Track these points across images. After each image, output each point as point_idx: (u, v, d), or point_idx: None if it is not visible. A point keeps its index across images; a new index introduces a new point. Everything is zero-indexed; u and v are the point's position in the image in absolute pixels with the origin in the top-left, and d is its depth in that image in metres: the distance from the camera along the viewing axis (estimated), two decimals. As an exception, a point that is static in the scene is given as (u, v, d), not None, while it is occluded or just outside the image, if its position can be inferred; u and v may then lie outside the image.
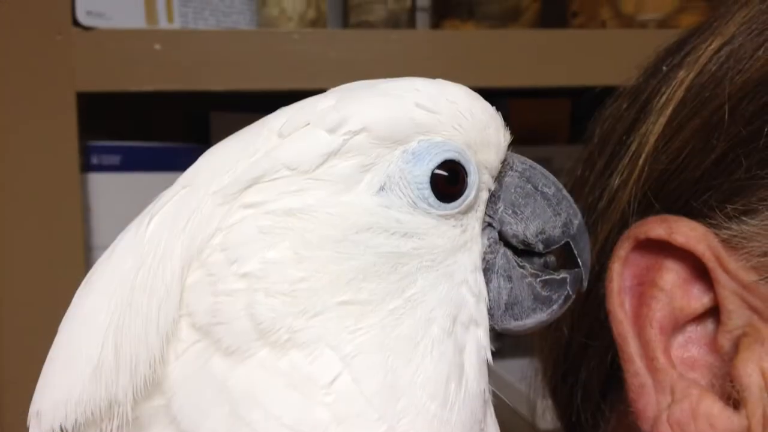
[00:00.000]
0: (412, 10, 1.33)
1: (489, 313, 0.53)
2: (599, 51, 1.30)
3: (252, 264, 0.48)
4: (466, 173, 0.52)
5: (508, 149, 0.56)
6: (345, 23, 1.33)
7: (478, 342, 0.52)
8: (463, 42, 1.27)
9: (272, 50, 1.18)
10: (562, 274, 0.55)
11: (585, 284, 0.56)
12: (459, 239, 0.52)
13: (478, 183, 0.53)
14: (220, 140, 0.53)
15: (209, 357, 0.47)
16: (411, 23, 1.33)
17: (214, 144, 0.53)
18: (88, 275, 0.50)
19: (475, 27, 1.32)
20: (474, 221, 0.53)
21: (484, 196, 0.54)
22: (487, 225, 0.55)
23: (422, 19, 1.41)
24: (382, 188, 0.50)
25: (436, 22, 1.38)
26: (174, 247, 0.48)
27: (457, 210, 0.52)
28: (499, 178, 0.55)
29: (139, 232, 0.49)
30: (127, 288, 0.48)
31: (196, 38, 1.18)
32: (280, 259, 0.48)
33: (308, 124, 0.50)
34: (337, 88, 0.54)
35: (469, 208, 0.53)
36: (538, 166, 0.56)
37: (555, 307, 0.55)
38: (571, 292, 0.55)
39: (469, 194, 0.52)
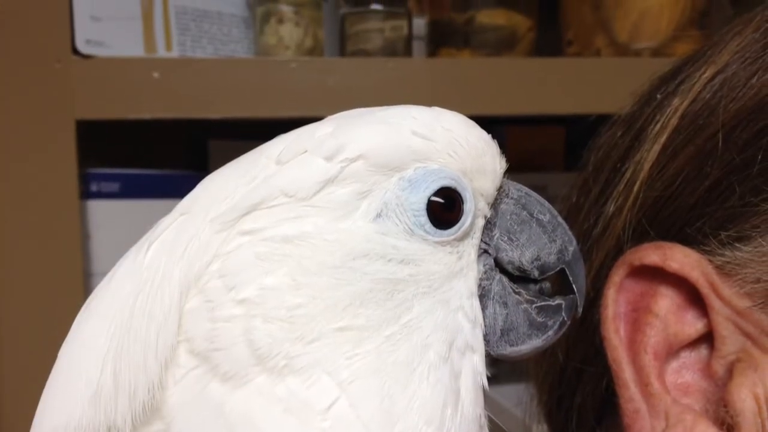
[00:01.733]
0: (409, 38, 1.35)
1: (485, 339, 0.53)
2: (594, 79, 1.31)
3: (250, 290, 0.48)
4: (462, 200, 0.52)
5: (503, 176, 0.56)
6: (342, 52, 1.34)
7: (473, 368, 0.52)
8: (460, 70, 1.28)
9: (270, 78, 1.19)
10: (557, 301, 0.55)
11: (580, 310, 0.56)
12: (455, 266, 0.52)
13: (474, 210, 0.53)
14: (218, 167, 0.54)
15: (207, 382, 0.47)
16: (407, 52, 1.34)
17: (213, 171, 0.54)
18: (88, 301, 0.50)
19: (471, 55, 1.34)
20: (470, 248, 0.54)
21: (480, 223, 0.55)
22: (483, 251, 0.55)
23: (418, 47, 1.43)
24: (378, 215, 0.51)
25: (433, 51, 1.39)
26: (172, 274, 0.48)
27: (453, 237, 0.52)
28: (494, 205, 0.56)
29: (138, 259, 0.49)
30: (126, 314, 0.48)
31: (194, 66, 1.18)
32: (277, 286, 0.48)
33: (306, 151, 0.51)
34: (334, 116, 0.54)
35: (465, 235, 0.53)
36: (534, 193, 0.57)
37: (550, 333, 0.55)
38: (566, 318, 0.55)
39: (465, 221, 0.53)
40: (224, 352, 0.47)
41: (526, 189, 0.57)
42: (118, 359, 0.47)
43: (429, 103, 0.55)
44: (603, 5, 1.40)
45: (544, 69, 1.31)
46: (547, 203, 0.57)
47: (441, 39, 1.37)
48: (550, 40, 1.46)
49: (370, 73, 1.22)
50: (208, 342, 0.48)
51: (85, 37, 1.17)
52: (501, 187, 0.56)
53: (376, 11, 1.31)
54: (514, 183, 0.57)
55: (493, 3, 1.35)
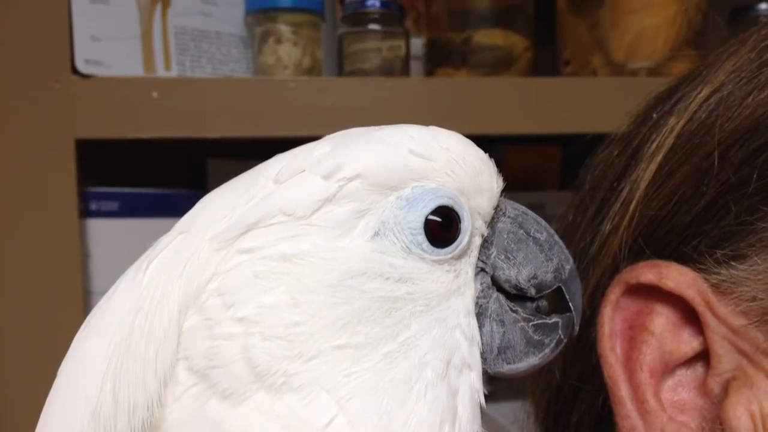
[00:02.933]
0: (406, 58, 1.36)
1: (482, 357, 0.54)
2: (591, 99, 1.32)
3: (248, 308, 0.48)
4: (459, 219, 0.53)
5: (501, 195, 0.57)
6: (340, 71, 1.35)
7: (471, 385, 0.52)
8: (457, 89, 1.29)
9: (269, 98, 1.19)
10: (554, 319, 0.56)
11: (577, 328, 0.57)
12: (452, 284, 0.53)
13: (471, 229, 0.54)
14: (217, 186, 0.54)
15: (206, 400, 0.48)
16: (405, 71, 1.35)
17: (211, 190, 0.54)
18: (88, 318, 0.51)
19: (468, 75, 1.34)
20: (467, 266, 0.54)
21: (477, 241, 0.55)
22: (480, 270, 0.55)
23: (416, 67, 1.43)
24: (376, 234, 0.51)
25: (430, 70, 1.39)
26: (171, 292, 0.49)
27: (450, 255, 0.53)
28: (492, 223, 0.56)
29: (137, 277, 0.50)
30: (126, 331, 0.48)
31: (193, 86, 1.19)
32: (275, 304, 0.48)
33: (304, 170, 0.51)
34: (332, 135, 0.55)
35: (463, 254, 0.54)
36: (531, 212, 0.57)
37: (547, 351, 0.55)
38: (562, 336, 0.55)
39: (462, 240, 0.53)
40: (223, 370, 0.48)
41: (522, 208, 0.57)
42: (118, 377, 0.47)
43: (427, 122, 0.55)
44: (600, 25, 1.41)
45: (541, 88, 1.32)
46: (543, 222, 0.57)
47: (438, 58, 1.38)
48: (547, 60, 1.46)
49: (368, 93, 1.23)
50: (207, 360, 0.48)
51: (84, 57, 1.17)
52: (498, 205, 0.56)
53: (373, 31, 1.32)
54: (511, 202, 0.58)
55: (490, 23, 1.36)
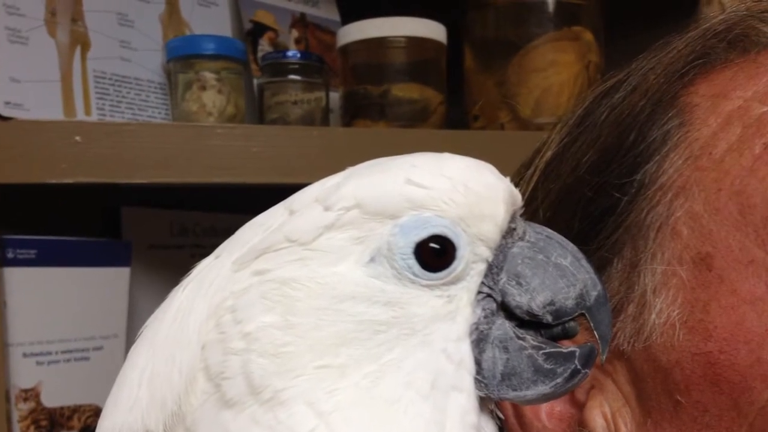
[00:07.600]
0: (326, 108, 1.38)
1: (483, 382, 0.54)
2: (500, 151, 1.35)
3: (251, 326, 0.52)
4: (454, 247, 0.53)
5: (522, 219, 0.56)
6: (261, 120, 1.36)
7: (459, 406, 0.53)
8: (377, 139, 1.31)
9: (196, 144, 1.18)
10: (571, 348, 0.54)
11: (603, 358, 0.56)
12: (442, 309, 0.53)
13: (469, 255, 0.53)
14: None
15: (221, 407, 0.52)
16: (325, 122, 1.37)
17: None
18: (143, 327, 0.57)
19: (386, 126, 1.37)
20: (463, 292, 0.54)
21: (479, 267, 0.54)
22: (487, 295, 0.55)
23: (333, 119, 1.46)
24: (372, 260, 0.53)
25: (348, 122, 1.41)
26: (198, 307, 0.54)
27: (442, 281, 0.53)
28: (503, 248, 0.55)
29: (178, 294, 0.56)
30: (161, 338, 0.55)
31: (118, 131, 1.16)
32: (272, 324, 0.52)
33: (315, 200, 0.54)
34: (351, 168, 0.57)
35: (457, 280, 0.54)
36: (556, 236, 0.56)
37: (559, 380, 0.54)
38: (579, 367, 0.54)
39: (457, 267, 0.53)
40: (230, 381, 0.52)
41: (548, 232, 0.57)
42: (152, 376, 0.54)
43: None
44: (507, 83, 1.46)
45: (454, 140, 1.36)
46: (571, 246, 0.56)
47: (356, 110, 1.40)
48: (456, 115, 1.51)
49: (293, 141, 1.22)
50: (219, 371, 0.52)
51: (3, 99, 1.14)
52: (515, 230, 0.56)
53: (294, 81, 1.34)
54: (535, 225, 0.57)
55: (406, 78, 1.39)
